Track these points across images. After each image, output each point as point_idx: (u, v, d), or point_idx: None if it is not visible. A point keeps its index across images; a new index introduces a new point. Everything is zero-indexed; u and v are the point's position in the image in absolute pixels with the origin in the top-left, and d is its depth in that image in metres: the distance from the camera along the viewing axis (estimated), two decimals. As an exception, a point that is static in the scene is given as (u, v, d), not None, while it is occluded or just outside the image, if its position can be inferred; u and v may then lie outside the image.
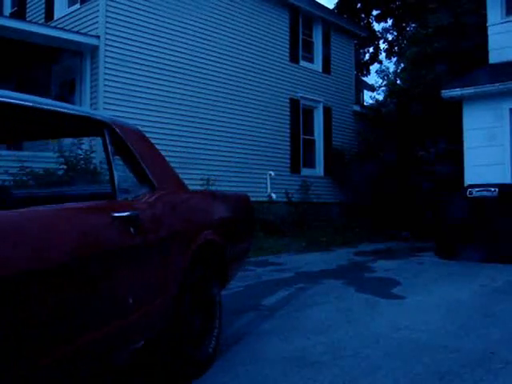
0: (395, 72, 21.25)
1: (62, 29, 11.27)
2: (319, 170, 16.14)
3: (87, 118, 2.87)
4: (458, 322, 4.76)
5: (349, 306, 5.54)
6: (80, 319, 2.25)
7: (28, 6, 13.47)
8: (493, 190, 9.28)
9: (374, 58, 27.48)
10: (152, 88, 11.50)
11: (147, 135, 12.03)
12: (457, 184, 11.48)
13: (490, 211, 9.20)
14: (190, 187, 12.79)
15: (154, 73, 11.60)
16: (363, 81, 28.00)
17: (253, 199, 13.40)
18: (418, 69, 16.16)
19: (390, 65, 40.67)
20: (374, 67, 27.82)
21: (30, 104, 2.48)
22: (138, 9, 11.47)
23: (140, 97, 11.26)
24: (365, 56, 27.57)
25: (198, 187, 11.34)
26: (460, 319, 4.89)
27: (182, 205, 3.53)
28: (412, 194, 14.44)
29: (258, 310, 5.41)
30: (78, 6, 11.80)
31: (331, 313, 5.24)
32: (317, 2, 16.35)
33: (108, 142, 2.91)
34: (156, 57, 11.66)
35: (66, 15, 12.04)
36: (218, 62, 13.07)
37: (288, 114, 15.09)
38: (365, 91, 28.33)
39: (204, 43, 12.75)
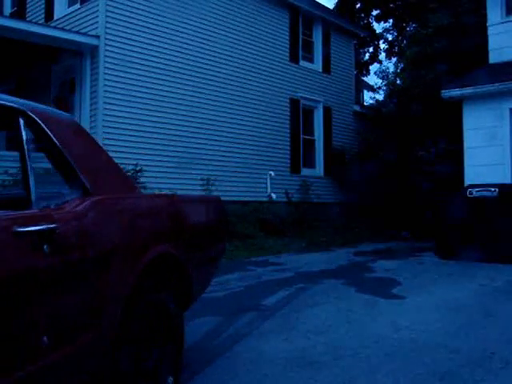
0: (395, 72, 21.23)
1: (61, 29, 11.26)
2: (319, 170, 16.14)
3: None
4: (458, 322, 4.76)
5: (349, 307, 5.54)
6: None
7: (28, 5, 13.47)
8: (493, 190, 9.29)
9: (374, 58, 27.48)
10: (152, 88, 11.50)
11: (147, 135, 12.05)
12: (457, 184, 11.49)
13: (489, 211, 9.21)
14: (190, 187, 12.66)
15: (154, 73, 11.60)
16: (363, 81, 28.00)
17: (253, 199, 13.52)
18: (417, 69, 16.16)
19: (390, 65, 40.65)
20: (374, 67, 27.83)
21: None
22: (138, 9, 11.47)
23: (140, 97, 11.26)
24: (365, 56, 27.57)
25: (198, 187, 11.35)
26: (460, 319, 4.89)
27: (125, 212, 2.82)
28: (412, 194, 14.44)
29: (258, 310, 5.41)
30: (77, 5, 11.80)
31: (331, 313, 5.24)
32: (317, 2, 16.34)
33: (22, 132, 2.39)
34: (156, 57, 11.66)
35: (66, 15, 12.05)
36: (218, 62, 13.07)
37: (288, 113, 15.09)
38: (365, 91, 28.33)
39: (204, 43, 12.75)
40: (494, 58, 12.13)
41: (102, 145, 3.33)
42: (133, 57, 11.24)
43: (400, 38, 26.26)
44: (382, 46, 29.12)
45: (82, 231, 2.37)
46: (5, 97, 2.50)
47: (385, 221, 14.67)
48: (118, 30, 11.10)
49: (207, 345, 4.19)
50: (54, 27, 11.42)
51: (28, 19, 12.97)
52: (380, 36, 27.12)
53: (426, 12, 17.66)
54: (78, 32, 11.09)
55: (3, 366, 1.89)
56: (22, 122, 2.42)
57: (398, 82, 19.00)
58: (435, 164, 13.94)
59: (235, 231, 11.16)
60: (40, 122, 2.50)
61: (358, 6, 25.66)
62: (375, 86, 26.49)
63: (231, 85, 13.37)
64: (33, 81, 11.58)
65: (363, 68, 27.47)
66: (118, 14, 11.14)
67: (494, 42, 12.19)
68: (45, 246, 2.12)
